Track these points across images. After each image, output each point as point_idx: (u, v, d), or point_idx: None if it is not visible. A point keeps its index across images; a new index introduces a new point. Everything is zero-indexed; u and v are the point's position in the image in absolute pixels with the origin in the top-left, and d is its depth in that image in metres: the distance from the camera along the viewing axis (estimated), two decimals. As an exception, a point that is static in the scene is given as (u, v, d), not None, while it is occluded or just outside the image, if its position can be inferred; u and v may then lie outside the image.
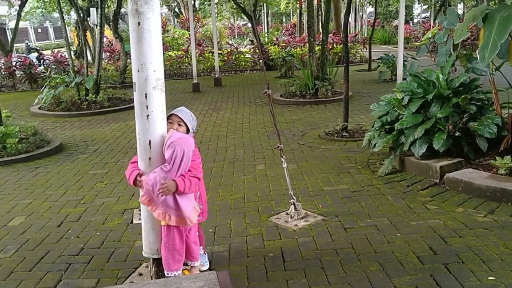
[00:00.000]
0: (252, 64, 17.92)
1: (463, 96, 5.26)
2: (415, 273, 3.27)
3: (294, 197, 4.35)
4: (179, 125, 3.19)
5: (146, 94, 3.02)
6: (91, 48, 13.36)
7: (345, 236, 3.92)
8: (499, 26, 4.47)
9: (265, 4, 31.46)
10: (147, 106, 3.04)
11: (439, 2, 24.31)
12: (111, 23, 15.34)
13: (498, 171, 4.69)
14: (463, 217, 4.11)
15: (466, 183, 4.59)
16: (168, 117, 3.20)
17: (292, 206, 4.33)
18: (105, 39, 17.27)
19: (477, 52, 4.67)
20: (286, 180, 4.41)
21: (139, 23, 2.94)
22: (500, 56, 5.00)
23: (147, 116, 3.05)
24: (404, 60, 8.68)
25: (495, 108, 5.35)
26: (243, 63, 17.90)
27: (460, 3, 32.08)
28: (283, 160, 4.44)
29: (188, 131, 3.23)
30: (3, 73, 15.72)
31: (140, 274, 3.48)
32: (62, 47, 24.28)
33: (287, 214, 4.37)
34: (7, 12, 23.00)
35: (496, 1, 5.33)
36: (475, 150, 5.14)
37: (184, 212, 3.01)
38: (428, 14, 34.36)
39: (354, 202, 4.62)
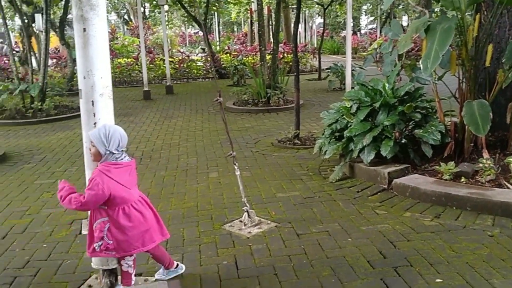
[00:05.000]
0: (204, 72, 17.88)
1: (408, 104, 5.45)
2: (366, 277, 3.34)
3: (247, 205, 4.35)
4: (92, 145, 2.93)
5: (93, 102, 2.96)
6: (36, 55, 12.92)
7: (298, 242, 3.96)
8: (440, 37, 4.67)
9: (216, 13, 31.53)
10: (94, 113, 2.97)
11: (384, 14, 25.16)
12: (57, 30, 14.91)
13: (442, 177, 4.88)
14: (410, 222, 4.25)
15: (413, 189, 4.75)
16: None
17: (246, 214, 4.33)
18: (51, 46, 16.76)
19: (420, 62, 4.86)
20: (239, 187, 4.41)
21: (84, 29, 2.88)
22: (442, 66, 5.23)
23: (94, 123, 2.98)
24: (352, 70, 8.91)
25: (439, 116, 5.58)
26: (195, 71, 17.84)
27: (404, 15, 33.33)
28: (236, 167, 4.44)
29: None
30: None
31: (90, 286, 3.37)
32: None
33: (241, 221, 4.37)
34: None
35: (438, 13, 5.58)
36: (420, 156, 5.34)
37: None
38: (374, 26, 35.50)
39: (306, 209, 4.68)
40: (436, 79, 5.62)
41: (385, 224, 4.21)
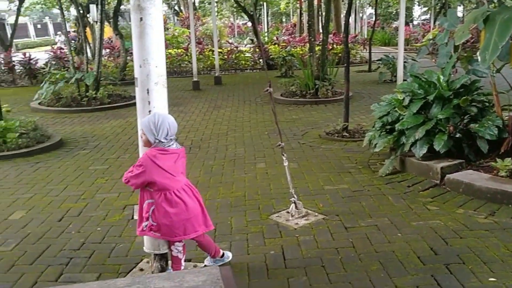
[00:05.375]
0: (252, 63, 17.91)
1: (464, 97, 5.27)
2: (416, 273, 3.28)
3: (295, 196, 4.35)
4: (143, 133, 3.04)
5: (148, 90, 3.03)
6: (91, 45, 13.33)
7: (346, 235, 3.93)
8: (500, 28, 4.48)
9: (265, 4, 31.47)
10: (149, 101, 3.05)
11: (439, 4, 24.36)
12: (111, 20, 15.31)
13: (498, 173, 4.71)
14: (463, 218, 4.13)
15: (466, 185, 4.61)
16: None
17: (293, 205, 4.34)
18: (105, 36, 17.21)
19: (478, 54, 4.67)
20: (287, 178, 4.41)
21: (141, 19, 2.95)
22: (500, 58, 5.01)
23: (149, 111, 3.05)
24: (404, 61, 8.70)
25: (496, 110, 5.37)
26: (243, 62, 17.89)
27: (459, 5, 32.15)
28: (284, 158, 4.44)
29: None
30: (3, 68, 15.66)
31: (141, 270, 3.49)
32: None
33: (288, 212, 4.38)
34: (7, 7, 22.95)
35: (496, 4, 5.34)
36: (475, 152, 5.16)
37: None
38: (427, 16, 34.43)
39: (354, 202, 4.63)
40: (494, 71, 5.40)
41: (436, 220, 4.11)
